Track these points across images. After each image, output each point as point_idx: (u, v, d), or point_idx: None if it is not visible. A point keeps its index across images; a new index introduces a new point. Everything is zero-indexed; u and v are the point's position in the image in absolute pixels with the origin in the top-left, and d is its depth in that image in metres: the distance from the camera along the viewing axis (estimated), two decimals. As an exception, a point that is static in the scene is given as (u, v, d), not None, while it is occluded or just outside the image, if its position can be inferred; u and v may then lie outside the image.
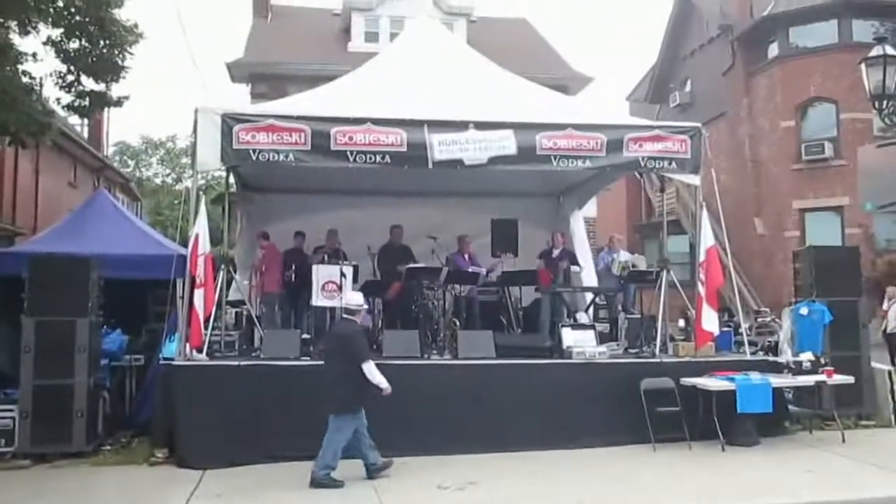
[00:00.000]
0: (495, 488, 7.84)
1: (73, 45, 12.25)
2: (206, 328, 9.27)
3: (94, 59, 12.34)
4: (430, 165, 9.69)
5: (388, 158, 9.63)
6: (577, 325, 10.75)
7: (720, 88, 26.71)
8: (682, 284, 11.16)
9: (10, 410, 8.90)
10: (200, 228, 9.33)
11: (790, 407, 10.33)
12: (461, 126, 9.76)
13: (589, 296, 12.75)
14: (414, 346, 9.86)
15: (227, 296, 10.73)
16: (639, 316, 11.75)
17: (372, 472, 8.07)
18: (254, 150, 9.46)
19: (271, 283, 11.93)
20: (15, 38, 11.89)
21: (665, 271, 10.83)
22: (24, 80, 11.96)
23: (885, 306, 16.03)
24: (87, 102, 12.91)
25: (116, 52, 12.48)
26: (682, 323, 11.72)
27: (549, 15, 73.06)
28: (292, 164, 9.63)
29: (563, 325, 10.65)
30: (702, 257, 10.31)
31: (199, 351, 9.28)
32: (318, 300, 10.76)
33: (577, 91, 24.76)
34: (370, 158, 9.59)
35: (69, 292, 9.01)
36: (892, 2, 22.99)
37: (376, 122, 9.60)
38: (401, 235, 12.47)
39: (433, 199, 13.56)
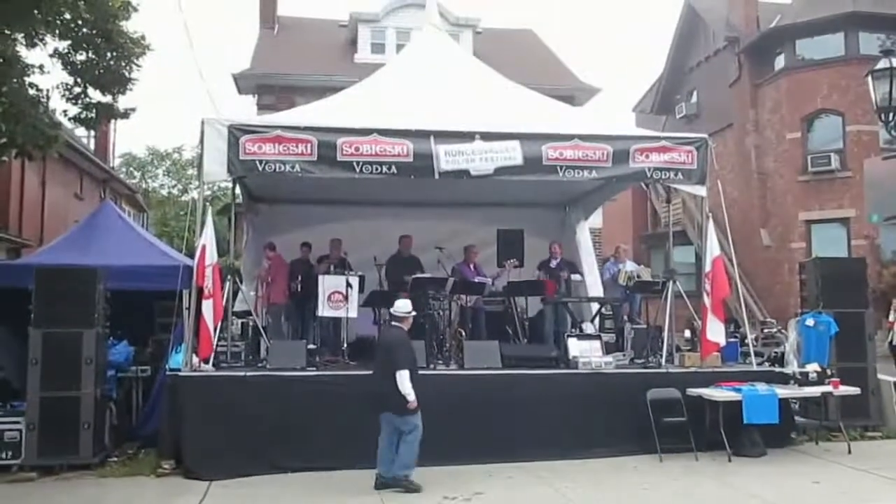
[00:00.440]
0: (502, 499, 7.83)
1: (81, 57, 12.25)
2: (214, 339, 9.28)
3: (101, 71, 12.35)
4: (437, 176, 9.71)
5: (394, 169, 9.65)
6: (583, 336, 10.74)
7: (726, 100, 26.71)
8: (688, 295, 11.15)
9: (17, 422, 8.88)
10: (207, 239, 9.34)
11: (796, 418, 10.34)
12: (467, 137, 9.79)
13: (595, 306, 12.74)
14: (420, 356, 9.81)
15: (233, 306, 10.74)
16: (645, 326, 11.76)
17: (380, 485, 8.04)
18: (260, 161, 9.48)
19: (277, 294, 11.97)
20: (22, 51, 11.90)
21: (671, 282, 10.82)
22: (31, 92, 11.94)
23: (891, 318, 15.97)
24: (93, 114, 12.90)
25: (123, 64, 12.48)
26: (688, 333, 11.71)
27: (555, 26, 73.27)
28: (298, 174, 9.65)
29: (569, 336, 10.66)
30: (707, 268, 10.31)
31: (206, 361, 9.27)
32: (324, 310, 10.76)
33: (584, 102, 24.81)
34: (376, 169, 9.62)
35: (76, 304, 9.00)
36: (898, 15, 23.00)
37: (382, 132, 9.63)
38: (410, 245, 12.49)
39: (439, 210, 13.59)
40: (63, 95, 12.55)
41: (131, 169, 43.86)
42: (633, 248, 27.40)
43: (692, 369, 10.12)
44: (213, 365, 9.38)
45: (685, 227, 24.58)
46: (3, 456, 8.87)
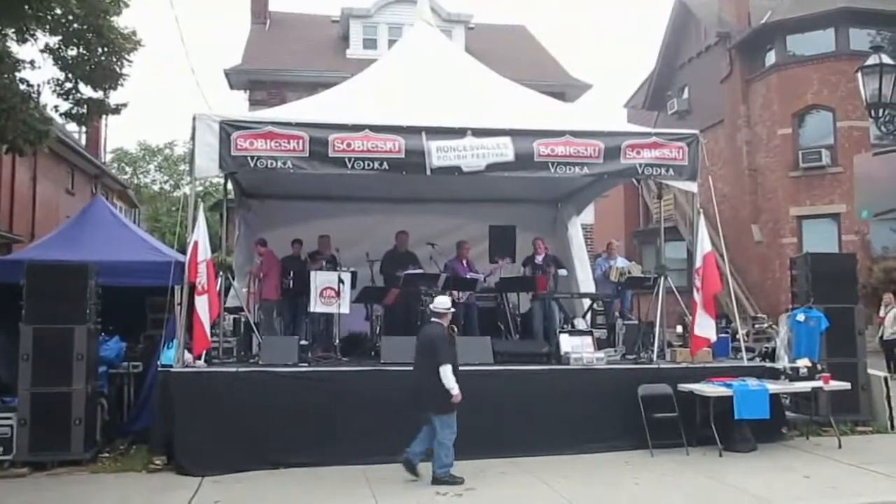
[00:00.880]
0: (493, 494, 7.84)
1: (71, 52, 12.27)
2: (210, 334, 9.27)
3: (92, 66, 12.36)
4: (429, 172, 9.68)
5: (386, 165, 9.63)
6: (574, 331, 10.70)
7: (718, 96, 26.79)
8: (679, 291, 11.19)
9: (8, 418, 8.86)
10: (200, 235, 9.31)
11: (787, 413, 10.40)
12: (459, 133, 9.76)
13: (586, 302, 12.76)
14: (412, 352, 9.80)
15: (225, 302, 10.71)
16: (636, 322, 11.78)
17: (407, 464, 8.18)
18: (252, 157, 9.45)
19: (269, 290, 11.94)
20: (13, 46, 11.92)
21: (662, 277, 10.83)
22: (22, 87, 11.96)
23: (881, 313, 16.08)
24: (84, 110, 12.93)
25: (114, 59, 12.50)
26: (679, 329, 11.74)
27: (547, 22, 73.25)
28: (290, 170, 9.63)
29: (560, 331, 10.65)
30: (698, 263, 10.33)
31: (201, 357, 9.27)
32: (316, 306, 10.78)
33: (576, 98, 24.87)
34: (368, 165, 9.59)
35: (67, 300, 8.97)
36: (889, 11, 23.10)
37: (374, 128, 9.60)
38: (406, 241, 12.51)
39: (431, 206, 13.58)
40: (54, 91, 12.59)
41: (123, 164, 43.72)
42: (625, 244, 27.53)
43: (683, 365, 10.14)
44: (205, 361, 9.35)
45: (677, 223, 24.67)
46: None
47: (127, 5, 12.26)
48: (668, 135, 10.62)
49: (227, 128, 9.43)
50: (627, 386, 9.59)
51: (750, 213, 25.07)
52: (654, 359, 10.37)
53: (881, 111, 10.05)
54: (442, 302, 8.55)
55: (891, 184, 11.47)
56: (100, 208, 12.87)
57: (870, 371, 11.00)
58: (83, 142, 27.80)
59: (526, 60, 24.98)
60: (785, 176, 24.00)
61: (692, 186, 10.56)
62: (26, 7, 10.69)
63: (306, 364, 9.64)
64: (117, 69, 12.63)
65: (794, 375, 9.85)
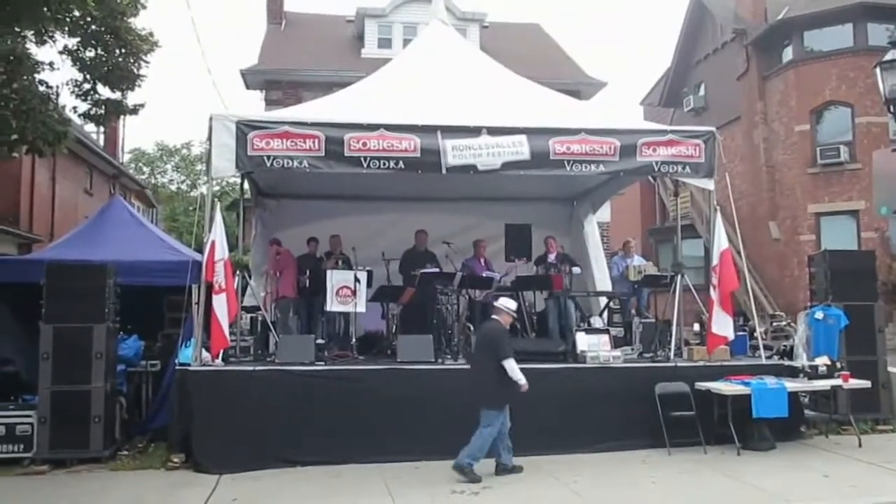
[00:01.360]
0: (510, 493, 7.82)
1: (90, 53, 12.30)
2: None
3: (110, 67, 12.39)
4: (444, 171, 9.68)
5: (401, 164, 9.63)
6: (591, 330, 10.68)
7: (734, 93, 26.60)
8: (696, 289, 11.14)
9: (29, 416, 8.95)
10: (217, 235, 9.34)
11: (806, 412, 10.31)
12: (474, 131, 9.75)
13: (602, 300, 12.71)
14: (428, 350, 9.84)
15: (242, 301, 10.76)
16: (653, 320, 11.73)
17: (500, 471, 8.34)
18: (268, 157, 9.48)
19: (286, 289, 11.98)
20: (32, 48, 12.00)
21: (679, 275, 10.78)
22: (41, 89, 12.02)
23: (901, 310, 15.93)
24: (102, 111, 12.96)
25: (132, 60, 12.53)
26: (696, 327, 11.67)
27: (562, 20, 73.01)
28: (306, 170, 9.65)
29: (577, 330, 10.63)
30: (715, 261, 10.26)
31: (220, 357, 9.30)
32: (331, 305, 10.80)
33: (591, 96, 24.76)
34: (384, 164, 9.60)
35: (86, 299, 9.04)
36: (908, 5, 22.86)
37: (390, 128, 9.60)
38: (425, 240, 12.48)
39: (447, 205, 13.56)
40: (72, 92, 12.63)
41: (140, 165, 44.02)
42: (642, 241, 27.41)
43: (701, 363, 10.08)
44: (223, 359, 9.38)
45: (693, 221, 24.50)
46: (15, 449, 8.94)
47: (144, 7, 12.31)
48: (685, 132, 10.55)
49: (244, 127, 9.46)
50: (644, 384, 9.54)
51: (767, 211, 24.87)
52: (671, 357, 10.31)
53: (900, 107, 9.96)
54: (506, 303, 8.63)
55: (910, 180, 11.34)
56: (118, 208, 12.95)
57: (890, 369, 10.89)
58: (101, 142, 28.01)
59: (540, 58, 24.90)
60: (803, 173, 23.80)
61: (709, 184, 10.48)
62: (45, 9, 10.74)
63: (323, 363, 9.66)
64: (135, 70, 12.67)
65: (813, 373, 9.76)
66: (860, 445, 9.43)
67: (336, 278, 10.81)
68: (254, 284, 11.83)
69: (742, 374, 9.67)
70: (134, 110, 13.58)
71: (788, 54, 25.00)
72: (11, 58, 11.23)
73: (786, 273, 23.69)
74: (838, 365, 9.92)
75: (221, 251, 9.32)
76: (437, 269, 11.74)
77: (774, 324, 15.13)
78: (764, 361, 10.38)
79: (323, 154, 9.53)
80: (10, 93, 11.02)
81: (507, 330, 8.58)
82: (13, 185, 20.13)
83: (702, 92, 29.13)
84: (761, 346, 10.69)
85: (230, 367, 9.33)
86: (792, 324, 13.27)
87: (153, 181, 43.42)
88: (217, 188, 12.25)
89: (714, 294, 10.13)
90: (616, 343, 10.64)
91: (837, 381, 9.61)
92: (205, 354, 9.22)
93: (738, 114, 26.32)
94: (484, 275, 11.99)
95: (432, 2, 14.10)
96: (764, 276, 23.78)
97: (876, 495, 7.62)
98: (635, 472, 8.56)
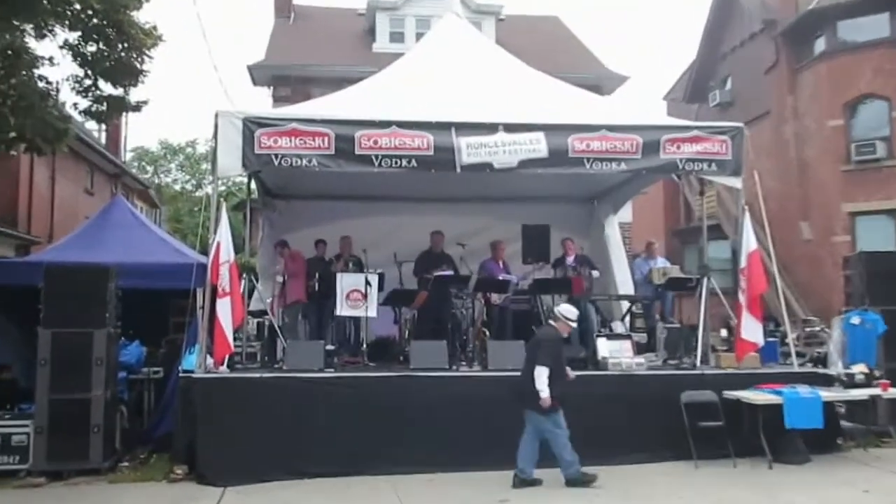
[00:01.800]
0: (527, 508, 7.56)
1: (91, 48, 12.10)
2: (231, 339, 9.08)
3: (112, 62, 12.19)
4: (458, 170, 9.42)
5: (414, 163, 9.39)
6: (612, 335, 10.44)
7: (763, 86, 25.97)
8: (724, 292, 10.79)
9: (25, 426, 8.73)
10: (222, 236, 9.12)
11: (842, 422, 9.92)
12: (490, 128, 9.49)
13: (625, 304, 12.41)
14: (442, 357, 9.57)
15: (248, 306, 10.53)
16: (678, 325, 11.43)
17: (518, 483, 8.15)
18: (276, 155, 9.26)
19: (295, 293, 11.69)
20: (31, 42, 11.78)
21: (706, 278, 10.47)
22: (41, 84, 11.82)
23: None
24: (104, 107, 12.78)
25: (135, 55, 12.32)
26: (724, 333, 11.35)
27: (581, 12, 72.63)
28: (315, 169, 9.41)
29: (598, 335, 10.35)
30: (743, 263, 9.92)
31: (223, 363, 9.07)
32: (342, 310, 10.57)
33: (612, 91, 24.46)
34: (396, 163, 9.36)
35: (86, 303, 8.82)
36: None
37: (402, 125, 9.37)
38: (441, 242, 12.20)
39: (461, 205, 13.28)
40: (73, 88, 12.45)
41: (143, 163, 43.97)
42: (665, 243, 26.90)
43: (729, 370, 9.75)
44: (229, 366, 9.17)
45: (720, 221, 23.88)
46: (11, 461, 8.73)
47: (147, 0, 12.07)
48: (711, 128, 10.20)
49: (251, 125, 9.23)
50: (669, 393, 9.19)
51: (798, 210, 24.20)
52: (698, 364, 9.99)
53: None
54: (566, 310, 8.53)
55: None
56: (120, 209, 12.82)
57: (931, 377, 10.51)
58: (103, 140, 27.84)
59: (559, 52, 24.60)
60: (837, 170, 23.09)
61: (736, 182, 10.15)
62: (44, 2, 10.53)
63: (332, 370, 9.44)
64: (137, 65, 12.46)
65: (850, 382, 9.45)
66: (901, 458, 9.10)
67: (346, 281, 10.59)
68: (261, 288, 11.59)
69: (773, 382, 9.31)
70: (137, 107, 13.41)
71: (821, 45, 24.30)
72: (9, 52, 11.07)
73: (818, 276, 22.93)
74: (876, 373, 9.61)
75: (227, 253, 9.09)
76: (450, 272, 11.39)
77: (807, 329, 14.75)
78: (796, 369, 10.04)
79: (333, 152, 9.29)
80: (7, 88, 10.93)
81: (562, 339, 8.45)
82: (11, 185, 19.96)
83: (728, 86, 28.49)
84: (793, 353, 10.37)
85: (236, 375, 9.12)
86: (826, 329, 12.96)
87: (156, 181, 43.35)
88: (223, 188, 12.04)
89: (742, 298, 9.78)
90: (639, 349, 10.35)
91: (876, 391, 9.28)
92: (209, 361, 8.99)
93: (766, 108, 25.67)
94: (501, 277, 11.68)
95: (446, -6, 13.81)
96: (795, 279, 23.13)
97: (921, 512, 7.30)
98: (660, 487, 8.24)
